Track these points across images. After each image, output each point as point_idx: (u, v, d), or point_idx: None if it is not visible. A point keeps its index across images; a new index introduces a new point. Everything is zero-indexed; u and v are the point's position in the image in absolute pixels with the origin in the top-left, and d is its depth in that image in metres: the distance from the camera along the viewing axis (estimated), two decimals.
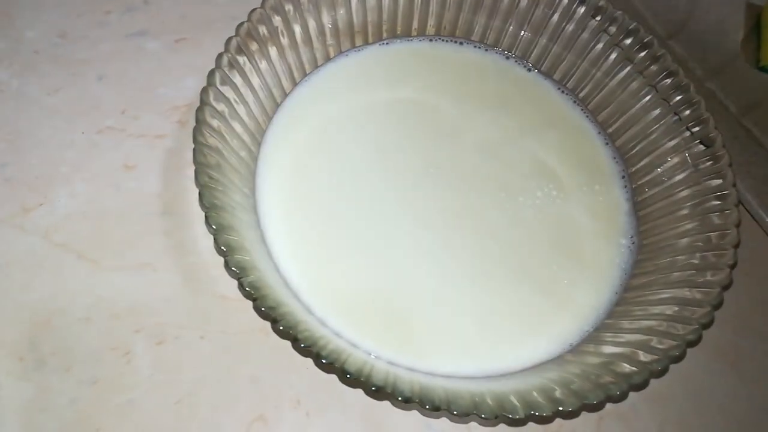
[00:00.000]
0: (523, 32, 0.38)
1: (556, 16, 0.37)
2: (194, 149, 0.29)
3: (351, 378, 0.25)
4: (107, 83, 0.40)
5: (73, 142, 0.38)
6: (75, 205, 0.36)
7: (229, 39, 0.32)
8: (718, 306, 0.28)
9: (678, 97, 0.34)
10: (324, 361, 0.25)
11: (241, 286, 0.26)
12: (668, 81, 0.35)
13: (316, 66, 0.37)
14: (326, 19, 0.36)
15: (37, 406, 0.31)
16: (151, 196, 0.36)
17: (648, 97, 0.35)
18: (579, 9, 0.36)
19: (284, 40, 0.35)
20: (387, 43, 0.39)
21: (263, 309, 0.26)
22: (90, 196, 0.36)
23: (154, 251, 0.35)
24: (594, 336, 0.31)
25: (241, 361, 0.33)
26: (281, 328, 0.26)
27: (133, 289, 0.34)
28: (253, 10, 0.33)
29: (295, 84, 0.37)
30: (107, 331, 0.33)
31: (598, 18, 0.36)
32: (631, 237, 0.34)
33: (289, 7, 0.34)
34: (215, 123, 0.30)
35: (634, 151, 0.36)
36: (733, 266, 0.29)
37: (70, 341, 0.33)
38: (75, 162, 0.37)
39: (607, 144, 0.37)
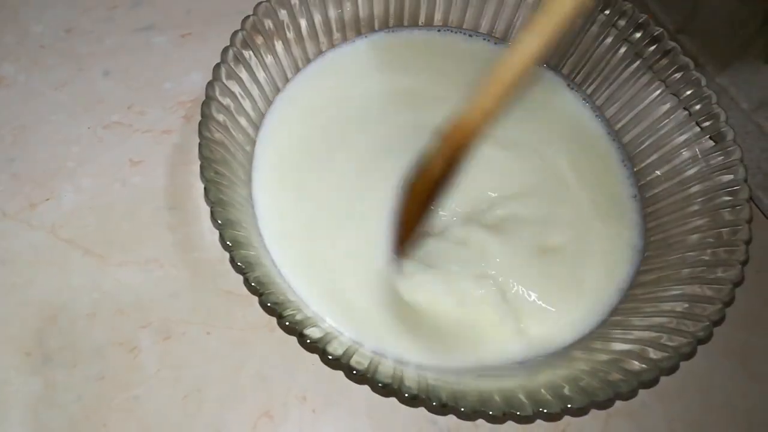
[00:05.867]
0: None
1: None
2: (200, 144, 0.29)
3: (357, 374, 0.25)
4: (113, 78, 0.39)
5: (80, 137, 0.38)
6: (81, 200, 0.36)
7: (235, 33, 0.32)
8: (729, 303, 0.28)
9: (688, 92, 0.34)
10: (330, 357, 0.25)
11: (247, 282, 0.26)
12: (678, 75, 0.34)
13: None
14: (332, 13, 0.36)
15: (44, 402, 0.31)
16: (157, 191, 0.36)
17: (658, 92, 0.35)
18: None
19: (290, 34, 0.34)
20: (393, 31, 0.38)
21: (269, 304, 0.26)
22: (96, 192, 0.36)
23: (160, 246, 0.35)
24: (603, 333, 0.31)
25: (247, 357, 0.33)
26: (287, 323, 0.25)
27: (139, 284, 0.34)
28: (259, 3, 0.33)
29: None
30: (113, 326, 0.33)
31: (607, 12, 0.36)
32: (640, 233, 0.34)
33: (294, 0, 0.34)
34: (221, 118, 0.30)
35: (643, 147, 0.36)
36: (744, 263, 0.29)
37: (77, 337, 0.32)
38: (81, 157, 0.37)
39: (614, 140, 0.37)
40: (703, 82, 0.33)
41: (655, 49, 0.35)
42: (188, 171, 0.37)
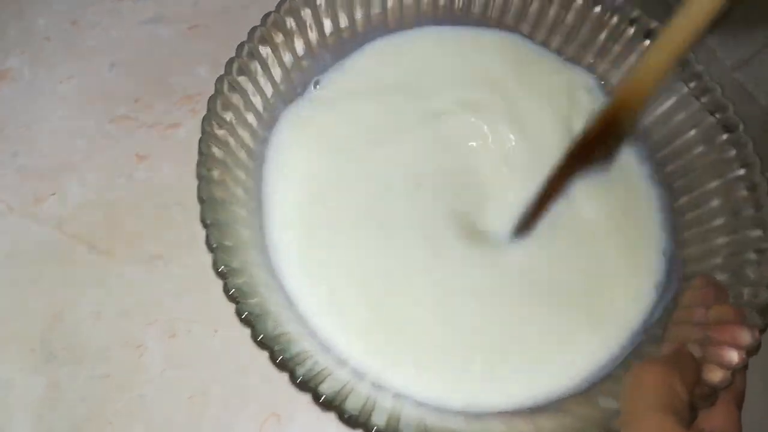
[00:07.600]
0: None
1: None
2: (201, 140, 0.27)
3: (351, 418, 0.23)
4: (120, 71, 0.39)
5: (85, 131, 0.37)
6: (87, 195, 0.35)
7: (254, 28, 0.30)
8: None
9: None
10: (321, 401, 0.23)
11: (239, 314, 0.24)
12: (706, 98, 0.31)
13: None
14: (359, 14, 0.34)
15: (49, 401, 0.31)
16: (163, 186, 0.36)
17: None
18: None
19: (312, 35, 0.33)
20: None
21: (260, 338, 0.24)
22: (102, 186, 0.36)
23: (165, 243, 0.34)
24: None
25: (254, 358, 0.32)
26: (278, 360, 0.24)
27: (145, 281, 0.34)
28: (283, 1, 0.31)
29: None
30: (119, 324, 0.32)
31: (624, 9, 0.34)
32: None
33: (320, 1, 0.32)
34: (228, 116, 0.29)
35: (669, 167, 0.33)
36: None
37: (82, 335, 0.32)
38: (87, 151, 0.37)
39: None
40: (731, 109, 0.31)
41: None
42: (194, 166, 0.36)
